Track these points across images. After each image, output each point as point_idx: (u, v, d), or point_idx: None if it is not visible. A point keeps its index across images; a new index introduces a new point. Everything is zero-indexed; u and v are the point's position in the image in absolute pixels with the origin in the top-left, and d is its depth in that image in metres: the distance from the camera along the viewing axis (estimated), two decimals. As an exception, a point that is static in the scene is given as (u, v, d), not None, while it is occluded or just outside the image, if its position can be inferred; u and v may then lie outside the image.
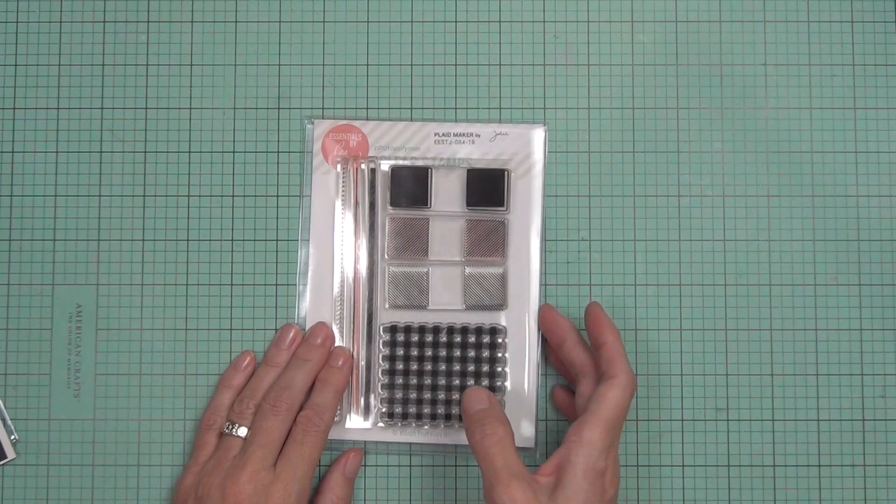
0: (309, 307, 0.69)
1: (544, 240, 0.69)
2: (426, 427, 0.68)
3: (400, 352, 0.69)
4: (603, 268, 0.70)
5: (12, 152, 0.71)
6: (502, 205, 0.69)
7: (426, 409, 0.68)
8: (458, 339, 0.68)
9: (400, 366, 0.69)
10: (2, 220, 0.70)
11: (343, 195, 0.69)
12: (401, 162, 0.69)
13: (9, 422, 0.69)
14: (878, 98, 0.71)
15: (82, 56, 0.71)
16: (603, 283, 0.70)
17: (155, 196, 0.70)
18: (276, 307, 0.70)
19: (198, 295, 0.70)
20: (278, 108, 0.71)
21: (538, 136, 0.70)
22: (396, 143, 0.70)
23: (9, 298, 0.70)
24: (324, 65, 0.71)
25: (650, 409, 0.70)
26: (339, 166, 0.70)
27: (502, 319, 0.69)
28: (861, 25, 0.71)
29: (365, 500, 0.69)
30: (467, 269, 0.69)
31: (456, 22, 0.71)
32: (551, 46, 0.71)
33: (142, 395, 0.70)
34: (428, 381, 0.68)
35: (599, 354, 0.65)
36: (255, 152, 0.71)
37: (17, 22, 0.71)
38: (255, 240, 0.70)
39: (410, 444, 0.69)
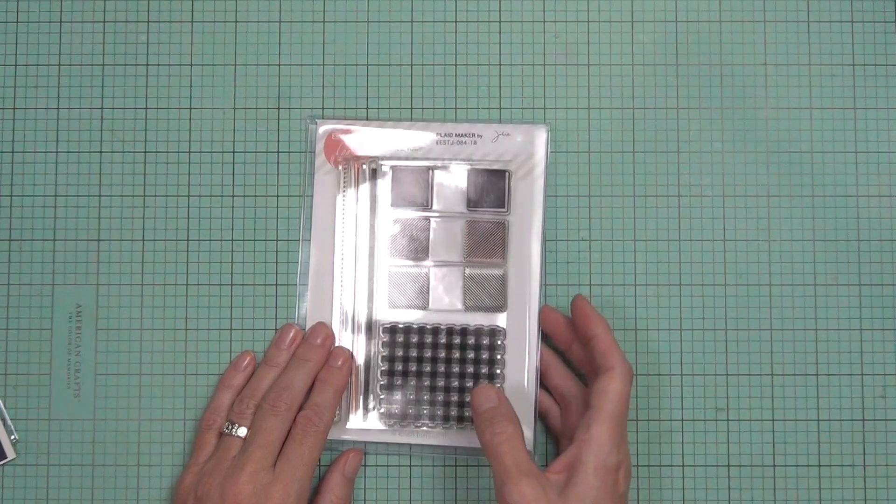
0: (309, 307, 0.69)
1: (545, 242, 0.69)
2: (424, 428, 0.68)
3: (399, 352, 0.69)
4: (603, 268, 0.70)
5: (12, 152, 0.71)
6: (503, 206, 0.69)
7: (425, 410, 0.68)
8: (457, 340, 0.68)
9: (399, 366, 0.69)
10: (2, 220, 0.70)
11: (344, 195, 0.69)
12: (402, 162, 0.69)
13: (9, 422, 0.69)
14: (878, 98, 0.71)
15: (82, 56, 0.71)
16: (603, 283, 0.70)
17: (155, 196, 0.70)
18: (276, 307, 0.70)
19: (198, 295, 0.70)
20: (278, 108, 0.71)
21: (540, 136, 0.70)
22: (398, 143, 0.70)
23: (9, 298, 0.70)
24: (324, 65, 0.71)
25: (650, 409, 0.70)
26: (340, 167, 0.70)
27: (502, 321, 0.68)
28: (861, 25, 0.71)
29: (365, 500, 0.69)
30: (467, 271, 0.69)
31: (456, 22, 0.71)
32: (551, 46, 0.71)
33: (142, 395, 0.70)
34: (427, 381, 0.68)
35: (591, 347, 0.65)
36: (255, 152, 0.71)
37: (17, 22, 0.71)
38: (255, 240, 0.70)
39: (410, 444, 0.69)
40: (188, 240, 0.70)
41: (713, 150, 0.71)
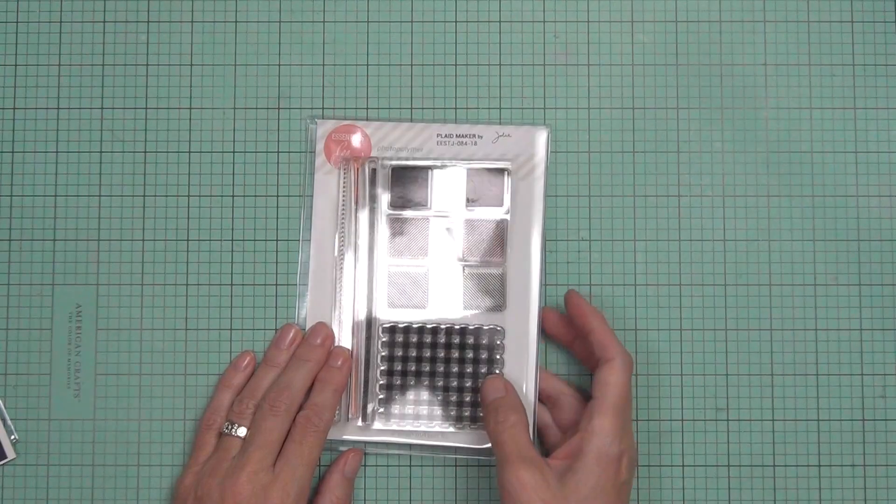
0: (309, 307, 0.69)
1: (545, 242, 0.69)
2: (424, 428, 0.68)
3: (399, 352, 0.69)
4: (603, 268, 0.70)
5: (12, 152, 0.71)
6: (501, 205, 0.69)
7: (424, 410, 0.68)
8: (456, 339, 0.68)
9: (399, 366, 0.69)
10: (2, 220, 0.70)
11: (344, 195, 0.69)
12: (402, 162, 0.69)
13: (9, 422, 0.69)
14: (878, 98, 0.71)
15: (82, 56, 0.71)
16: (603, 283, 0.70)
17: (155, 196, 0.70)
18: (276, 307, 0.70)
19: (198, 295, 0.70)
20: (278, 108, 0.71)
21: (541, 137, 0.69)
22: (399, 143, 0.70)
23: (9, 298, 0.70)
24: (324, 65, 0.71)
25: (650, 409, 0.70)
26: (340, 167, 0.70)
27: (501, 320, 0.68)
28: (861, 25, 0.71)
29: (365, 500, 0.69)
30: (467, 270, 0.69)
31: (456, 22, 0.71)
32: (551, 46, 0.71)
33: (142, 395, 0.70)
34: (426, 381, 0.68)
35: (590, 342, 0.66)
36: (255, 152, 0.71)
37: (17, 22, 0.71)
38: (255, 240, 0.70)
39: (410, 444, 0.69)
40: (188, 240, 0.70)
41: (713, 150, 0.71)
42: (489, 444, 0.67)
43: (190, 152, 0.71)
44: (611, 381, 0.63)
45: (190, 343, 0.70)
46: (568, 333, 0.68)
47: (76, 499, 0.69)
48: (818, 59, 0.71)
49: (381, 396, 0.68)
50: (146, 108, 0.71)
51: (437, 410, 0.68)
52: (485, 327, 0.68)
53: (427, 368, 0.68)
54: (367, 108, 0.71)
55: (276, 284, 0.70)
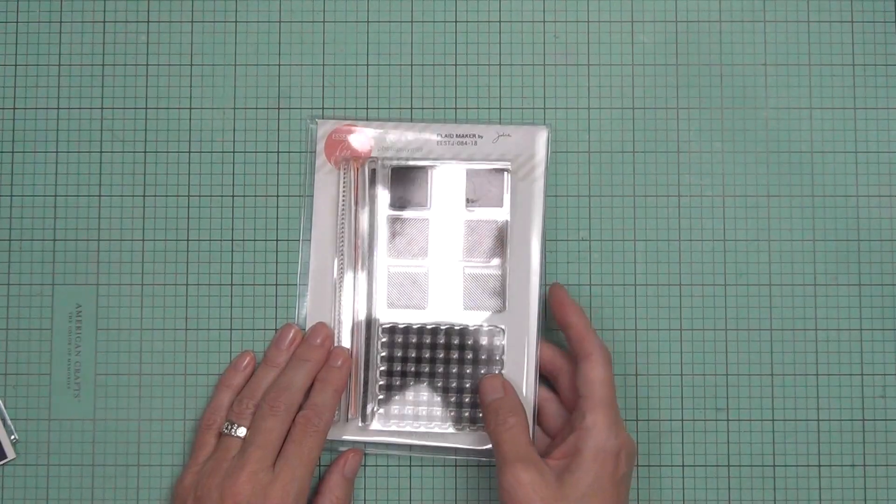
0: (309, 307, 0.69)
1: (545, 242, 0.69)
2: (423, 429, 0.68)
3: (399, 353, 0.69)
4: (603, 268, 0.70)
5: (12, 152, 0.71)
6: (501, 205, 0.69)
7: (424, 411, 0.68)
8: (456, 340, 0.68)
9: (398, 367, 0.68)
10: (2, 220, 0.70)
11: (344, 195, 0.69)
12: (402, 162, 0.69)
13: (9, 422, 0.69)
14: (878, 98, 0.71)
15: (82, 56, 0.71)
16: (603, 283, 0.70)
17: (155, 196, 0.70)
18: (276, 307, 0.70)
19: (198, 295, 0.70)
20: (278, 108, 0.71)
21: (541, 138, 0.69)
22: (399, 143, 0.70)
23: (9, 298, 0.70)
24: (324, 65, 0.71)
25: (650, 409, 0.70)
26: (340, 167, 0.70)
27: (501, 321, 0.68)
28: (861, 25, 0.71)
29: (365, 500, 0.69)
30: (467, 270, 0.69)
31: (456, 22, 0.71)
32: (551, 46, 0.71)
33: (142, 395, 0.70)
34: (426, 382, 0.68)
35: (568, 336, 0.66)
36: (255, 152, 0.71)
37: (17, 22, 0.71)
38: (255, 240, 0.70)
39: (411, 445, 0.69)
40: (188, 240, 0.70)
41: (713, 150, 0.71)
42: (489, 446, 0.67)
43: (190, 152, 0.71)
44: (593, 376, 0.64)
45: (190, 343, 0.70)
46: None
47: (76, 499, 0.69)
48: (818, 59, 0.71)
49: (380, 397, 0.68)
50: (146, 108, 0.71)
51: (437, 411, 0.68)
52: (484, 328, 0.68)
53: (427, 369, 0.68)
54: (367, 108, 0.71)
55: (276, 284, 0.70)
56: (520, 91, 0.71)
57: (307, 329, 0.69)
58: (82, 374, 0.70)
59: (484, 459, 0.69)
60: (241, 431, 0.65)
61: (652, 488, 0.69)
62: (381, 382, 0.69)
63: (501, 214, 0.69)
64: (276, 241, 0.70)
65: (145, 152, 0.71)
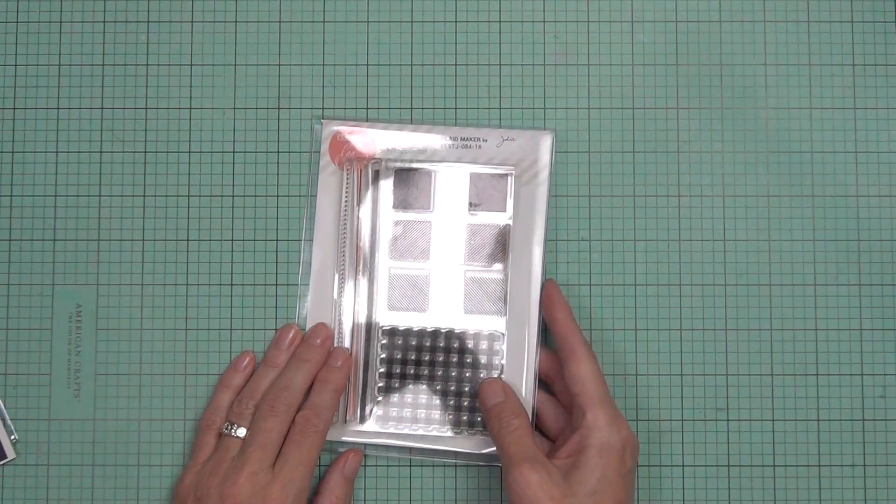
0: (310, 308, 0.69)
1: (546, 246, 0.69)
2: (421, 432, 0.68)
3: (398, 355, 0.69)
4: (603, 268, 0.70)
5: (12, 152, 0.71)
6: (504, 209, 0.69)
7: (422, 413, 0.68)
8: (456, 344, 0.68)
9: (398, 369, 0.68)
10: (2, 220, 0.70)
11: (347, 196, 0.69)
12: (405, 164, 0.69)
13: (9, 422, 0.69)
14: (878, 98, 0.71)
15: (82, 56, 0.71)
16: (603, 283, 0.70)
17: (155, 196, 0.70)
18: (276, 307, 0.70)
19: (198, 295, 0.70)
20: (278, 109, 0.71)
21: (545, 142, 0.69)
22: (403, 146, 0.70)
23: (9, 298, 0.70)
24: (324, 65, 0.71)
25: (650, 409, 0.70)
26: (344, 168, 0.70)
27: (501, 325, 0.68)
28: (861, 25, 0.71)
29: (364, 500, 0.69)
30: (468, 274, 0.69)
31: (456, 22, 0.71)
32: (551, 46, 0.71)
33: (142, 395, 0.70)
34: (425, 385, 0.68)
35: (552, 332, 0.66)
36: (255, 152, 0.71)
37: (17, 22, 0.71)
38: (255, 240, 0.70)
39: (410, 448, 0.69)
40: (188, 240, 0.70)
41: (713, 150, 0.71)
42: (488, 450, 0.68)
43: (190, 152, 0.71)
44: (581, 373, 0.64)
45: (190, 343, 0.70)
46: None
47: (76, 499, 0.69)
48: (818, 59, 0.71)
49: (379, 399, 0.68)
50: (146, 108, 0.71)
51: (436, 414, 0.68)
52: (484, 332, 0.68)
53: (426, 372, 0.68)
54: (367, 108, 0.71)
55: (277, 284, 0.70)
56: (520, 91, 0.71)
57: (307, 329, 0.69)
58: (82, 374, 0.70)
59: (482, 463, 0.69)
60: (241, 432, 0.65)
61: (652, 488, 0.69)
62: (380, 384, 0.68)
63: (504, 219, 0.69)
64: (276, 241, 0.70)
65: (145, 152, 0.71)
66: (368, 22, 0.71)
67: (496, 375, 0.68)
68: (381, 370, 0.68)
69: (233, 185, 0.70)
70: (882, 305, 0.70)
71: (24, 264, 0.70)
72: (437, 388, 0.68)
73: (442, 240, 0.69)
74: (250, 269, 0.70)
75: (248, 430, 0.65)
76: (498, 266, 0.69)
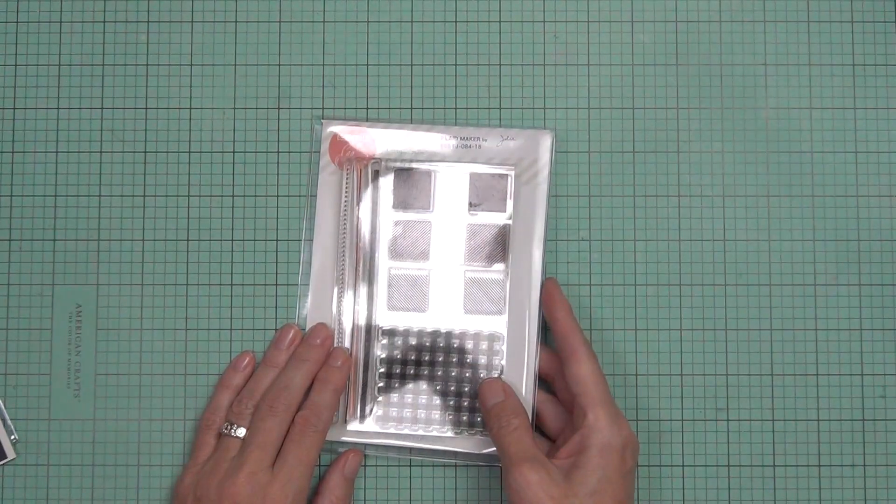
0: (310, 308, 0.69)
1: (545, 246, 0.69)
2: (421, 432, 0.68)
3: (398, 355, 0.69)
4: (603, 268, 0.70)
5: (12, 152, 0.71)
6: (504, 209, 0.69)
7: (422, 414, 0.68)
8: (455, 344, 0.68)
9: (397, 370, 0.68)
10: (2, 220, 0.70)
11: (347, 196, 0.69)
12: (405, 164, 0.69)
13: (9, 422, 0.69)
14: (878, 98, 0.71)
15: (82, 56, 0.71)
16: (603, 283, 0.70)
17: (155, 196, 0.70)
18: (276, 307, 0.70)
19: (198, 295, 0.70)
20: (278, 109, 0.71)
21: (545, 142, 0.69)
22: (403, 146, 0.70)
23: (9, 298, 0.70)
24: (324, 65, 0.71)
25: (650, 409, 0.70)
26: (344, 168, 0.70)
27: (501, 325, 0.68)
28: (861, 25, 0.71)
29: (364, 500, 0.69)
30: (468, 274, 0.69)
31: (456, 22, 0.71)
32: (551, 46, 0.71)
33: (142, 395, 0.70)
34: (425, 385, 0.68)
35: (553, 331, 0.66)
36: (255, 152, 0.71)
37: (17, 22, 0.71)
38: (255, 240, 0.70)
39: (410, 447, 0.69)
40: (188, 240, 0.70)
41: (713, 150, 0.71)
42: (487, 451, 0.68)
43: (190, 152, 0.71)
44: (582, 372, 0.64)
45: (190, 343, 0.70)
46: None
47: (76, 499, 0.69)
48: (818, 59, 0.71)
49: (379, 399, 0.68)
50: (146, 108, 0.71)
51: (436, 414, 0.68)
52: (484, 332, 0.68)
53: (426, 372, 0.68)
54: (367, 108, 0.71)
55: (277, 284, 0.70)
56: (520, 91, 0.71)
57: (307, 329, 0.69)
58: (82, 374, 0.70)
59: (482, 464, 0.69)
60: (241, 432, 0.65)
61: (652, 488, 0.69)
62: (379, 384, 0.68)
63: (504, 219, 0.69)
64: (276, 241, 0.70)
65: (145, 152, 0.71)
66: (368, 22, 0.71)
67: (496, 375, 0.68)
68: (381, 370, 0.68)
69: (233, 185, 0.70)
70: (882, 305, 0.70)
71: (24, 264, 0.70)
72: (437, 388, 0.68)
73: (442, 240, 0.69)
74: (250, 269, 0.70)
75: (247, 429, 0.65)
76: (498, 266, 0.69)
